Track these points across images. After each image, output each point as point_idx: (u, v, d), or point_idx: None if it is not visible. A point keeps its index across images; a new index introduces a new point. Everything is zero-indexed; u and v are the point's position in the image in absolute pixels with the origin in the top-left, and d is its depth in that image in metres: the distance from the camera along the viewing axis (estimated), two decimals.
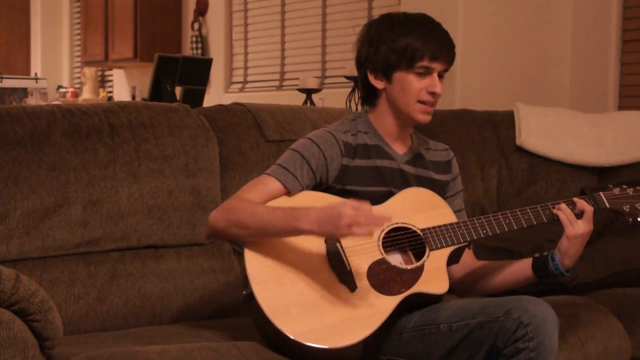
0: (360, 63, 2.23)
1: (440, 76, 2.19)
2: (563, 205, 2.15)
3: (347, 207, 1.93)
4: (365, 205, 1.94)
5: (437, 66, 2.16)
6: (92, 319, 2.30)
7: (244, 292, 2.02)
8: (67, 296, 2.27)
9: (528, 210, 2.17)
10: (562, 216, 2.14)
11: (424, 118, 2.20)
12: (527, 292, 2.14)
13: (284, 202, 2.11)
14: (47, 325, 1.80)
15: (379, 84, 2.21)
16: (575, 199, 2.17)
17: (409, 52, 2.14)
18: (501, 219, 2.17)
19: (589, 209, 2.14)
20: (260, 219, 2.02)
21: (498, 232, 2.17)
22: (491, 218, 2.17)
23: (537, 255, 2.21)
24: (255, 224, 2.03)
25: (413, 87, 2.16)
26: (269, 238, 2.05)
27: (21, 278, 1.79)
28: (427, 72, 2.16)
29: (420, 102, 2.18)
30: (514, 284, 2.26)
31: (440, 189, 2.28)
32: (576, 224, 2.13)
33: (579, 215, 2.14)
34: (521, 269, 2.22)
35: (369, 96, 2.25)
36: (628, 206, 2.21)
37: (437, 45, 2.15)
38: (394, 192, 2.20)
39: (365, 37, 2.23)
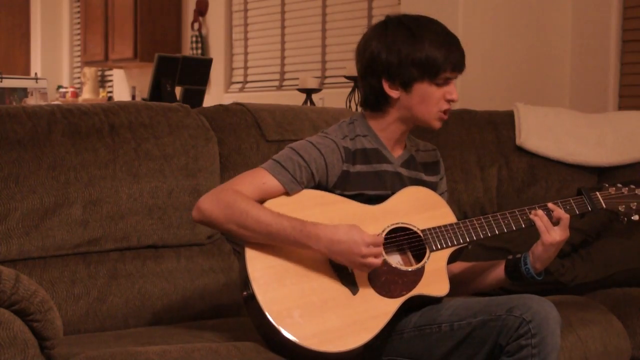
0: (375, 69, 2.17)
1: None
2: (540, 212, 2.15)
3: (363, 246, 1.98)
4: (378, 240, 2.00)
5: (455, 75, 2.18)
6: (92, 319, 2.30)
7: (244, 293, 2.02)
8: (67, 296, 2.27)
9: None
10: (538, 222, 2.14)
11: (439, 124, 2.21)
12: (527, 292, 2.14)
13: (284, 202, 2.09)
14: (47, 325, 1.80)
15: (394, 93, 2.17)
16: (550, 206, 2.17)
17: (434, 66, 2.12)
18: (500, 219, 2.18)
19: (565, 216, 2.15)
20: (266, 226, 2.00)
21: (497, 232, 2.17)
22: (490, 218, 2.18)
23: (510, 257, 2.23)
24: (259, 229, 2.01)
25: (434, 96, 2.16)
26: (270, 243, 2.05)
27: (21, 278, 1.79)
28: (446, 82, 2.17)
29: (441, 111, 2.18)
30: (487, 285, 2.28)
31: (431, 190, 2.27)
32: (553, 231, 2.13)
33: (556, 222, 2.15)
34: (495, 270, 2.24)
35: (378, 102, 2.20)
36: (623, 206, 2.23)
37: (458, 56, 2.16)
38: (392, 194, 2.19)
39: (380, 42, 2.16)
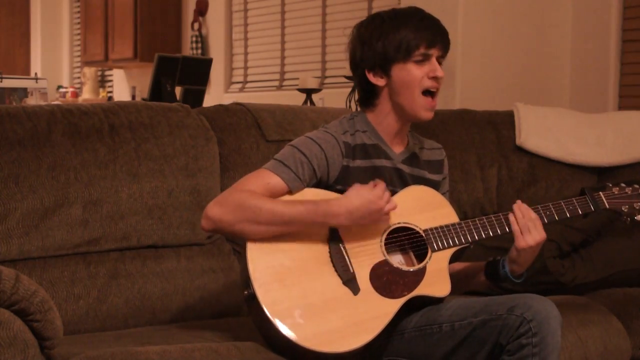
0: (356, 64, 2.22)
1: (439, 63, 2.19)
2: (519, 214, 2.13)
3: (382, 200, 2.03)
4: (381, 186, 2.06)
5: (434, 52, 2.17)
6: (92, 319, 2.30)
7: (245, 293, 2.02)
8: (67, 296, 2.27)
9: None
10: (514, 227, 2.13)
11: (427, 115, 2.20)
12: (527, 292, 2.14)
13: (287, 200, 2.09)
14: (47, 325, 1.80)
15: (379, 81, 2.20)
16: (517, 206, 2.15)
17: (405, 44, 2.14)
18: (502, 220, 2.17)
19: (535, 217, 2.13)
20: (281, 215, 2.01)
21: (499, 232, 2.17)
22: (492, 218, 2.17)
23: (490, 259, 2.23)
24: (275, 220, 2.01)
25: (414, 75, 2.16)
26: (285, 231, 2.05)
27: (21, 278, 1.79)
28: (426, 58, 2.16)
29: (425, 93, 2.17)
30: (481, 286, 2.28)
31: (433, 188, 2.27)
32: (527, 235, 2.12)
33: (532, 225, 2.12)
34: (476, 272, 2.25)
35: (369, 96, 2.24)
36: (627, 206, 2.22)
37: (431, 32, 2.16)
38: (393, 190, 2.19)
39: (356, 38, 2.22)
